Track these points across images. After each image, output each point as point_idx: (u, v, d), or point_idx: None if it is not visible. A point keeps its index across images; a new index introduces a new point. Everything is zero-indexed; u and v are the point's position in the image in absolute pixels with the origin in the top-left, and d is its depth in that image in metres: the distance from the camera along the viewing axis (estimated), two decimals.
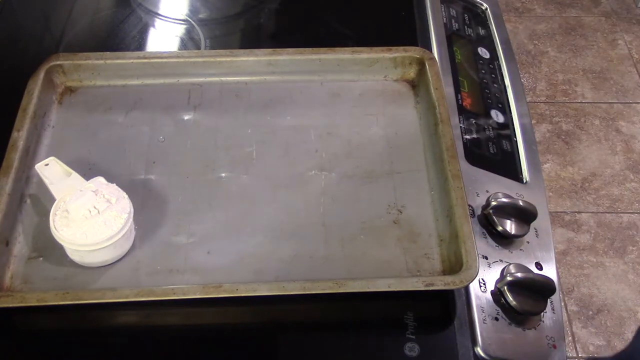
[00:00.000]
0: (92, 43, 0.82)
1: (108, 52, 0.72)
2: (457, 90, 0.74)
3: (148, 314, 0.57)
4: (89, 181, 0.58)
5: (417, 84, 0.73)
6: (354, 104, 0.72)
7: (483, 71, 0.78)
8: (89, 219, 0.56)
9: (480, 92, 0.76)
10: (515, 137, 0.72)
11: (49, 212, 0.57)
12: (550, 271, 0.61)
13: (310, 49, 0.73)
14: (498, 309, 0.58)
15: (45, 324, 0.57)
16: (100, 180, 0.58)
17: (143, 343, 0.56)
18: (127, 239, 0.58)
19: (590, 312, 1.46)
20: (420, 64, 0.73)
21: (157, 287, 0.55)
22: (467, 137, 0.70)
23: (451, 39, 0.81)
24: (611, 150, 1.82)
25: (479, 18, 0.87)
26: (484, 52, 0.81)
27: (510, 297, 0.57)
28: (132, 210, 0.58)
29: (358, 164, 0.67)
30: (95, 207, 0.56)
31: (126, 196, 0.58)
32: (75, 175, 0.60)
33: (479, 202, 0.64)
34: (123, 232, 0.56)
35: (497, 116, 0.74)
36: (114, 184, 0.59)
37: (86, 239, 0.55)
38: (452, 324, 0.57)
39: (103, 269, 0.58)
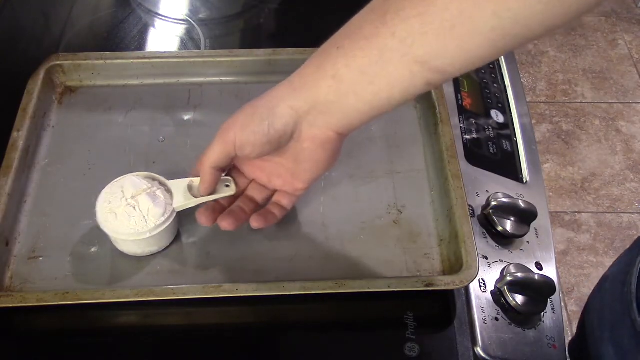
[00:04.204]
0: (92, 43, 0.82)
1: (108, 52, 0.72)
2: (457, 90, 0.74)
3: (148, 314, 0.57)
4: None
5: None
6: None
7: (483, 71, 0.78)
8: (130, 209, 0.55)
9: (480, 92, 0.76)
10: (515, 137, 0.72)
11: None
12: (550, 271, 0.61)
13: (310, 49, 0.73)
14: (498, 309, 0.58)
15: (45, 324, 0.57)
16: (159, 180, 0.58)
17: (143, 343, 0.56)
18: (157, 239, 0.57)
19: None
20: None
21: (157, 287, 0.55)
22: (467, 137, 0.70)
23: None
24: (611, 150, 1.83)
25: None
26: None
27: (510, 297, 0.57)
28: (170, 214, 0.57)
29: (358, 164, 0.67)
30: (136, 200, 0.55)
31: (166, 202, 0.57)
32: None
33: (479, 202, 0.64)
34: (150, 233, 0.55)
35: (497, 116, 0.74)
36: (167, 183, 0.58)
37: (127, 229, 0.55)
38: (452, 324, 0.57)
39: (103, 268, 0.58)
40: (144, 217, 0.55)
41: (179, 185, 0.57)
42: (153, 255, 0.59)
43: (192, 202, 0.57)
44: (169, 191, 0.57)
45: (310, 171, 0.55)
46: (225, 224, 0.55)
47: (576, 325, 0.77)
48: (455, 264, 0.58)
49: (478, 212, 0.63)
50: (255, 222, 0.56)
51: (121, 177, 0.58)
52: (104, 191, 0.57)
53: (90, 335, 0.56)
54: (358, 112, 0.49)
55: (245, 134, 0.51)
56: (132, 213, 0.55)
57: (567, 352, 0.58)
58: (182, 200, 0.57)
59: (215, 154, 0.53)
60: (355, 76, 0.47)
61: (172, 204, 0.56)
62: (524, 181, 0.68)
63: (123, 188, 0.56)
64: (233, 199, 0.58)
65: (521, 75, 0.85)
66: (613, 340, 0.62)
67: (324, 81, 0.48)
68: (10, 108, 0.66)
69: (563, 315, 0.60)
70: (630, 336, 0.58)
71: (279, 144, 0.51)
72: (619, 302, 0.61)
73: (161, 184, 0.58)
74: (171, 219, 0.56)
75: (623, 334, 0.60)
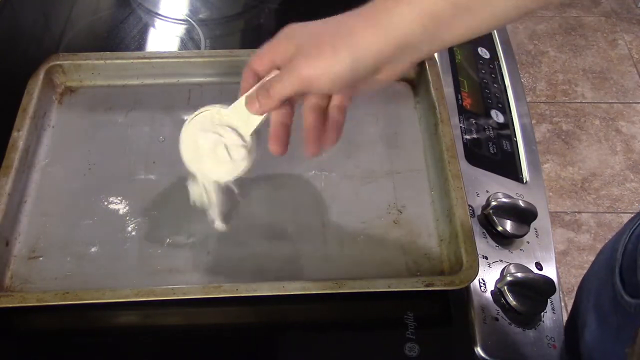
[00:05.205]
0: (92, 43, 0.82)
1: (108, 52, 0.72)
2: (457, 90, 0.74)
3: (148, 314, 0.57)
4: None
5: (417, 84, 0.73)
6: (353, 103, 0.72)
7: (483, 71, 0.78)
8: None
9: (480, 92, 0.76)
10: (515, 137, 0.72)
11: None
12: (550, 271, 0.61)
13: None
14: (498, 309, 0.58)
15: (45, 324, 0.57)
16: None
17: (143, 343, 0.56)
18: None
19: None
20: (420, 64, 0.72)
21: (157, 287, 0.55)
22: (467, 137, 0.70)
23: None
24: (611, 150, 1.82)
25: None
26: (484, 52, 0.81)
27: (510, 297, 0.57)
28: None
29: (358, 164, 0.67)
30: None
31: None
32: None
33: (479, 202, 0.64)
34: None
35: (497, 116, 0.74)
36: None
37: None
38: (452, 324, 0.57)
39: (103, 268, 0.58)
40: (232, 162, 0.54)
41: (239, 113, 0.55)
42: (153, 256, 0.59)
43: (258, 122, 0.55)
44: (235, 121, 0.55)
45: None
46: (309, 153, 0.54)
47: None
48: (455, 264, 0.58)
49: (478, 212, 0.63)
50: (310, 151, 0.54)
51: (185, 125, 0.56)
52: (182, 150, 0.56)
53: (90, 335, 0.56)
54: (446, 45, 0.48)
55: (324, 77, 0.48)
56: (219, 160, 0.54)
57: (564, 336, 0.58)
58: (248, 127, 0.55)
59: (288, 91, 0.50)
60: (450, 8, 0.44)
61: (243, 141, 0.55)
62: (524, 181, 0.68)
63: (197, 141, 0.55)
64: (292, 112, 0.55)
65: (521, 75, 0.85)
66: (596, 306, 0.62)
67: (417, 20, 0.45)
68: (10, 108, 0.66)
69: (563, 315, 0.60)
70: (610, 299, 0.58)
71: (356, 84, 0.50)
72: (604, 269, 0.61)
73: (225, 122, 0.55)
74: (254, 150, 0.55)
75: (604, 298, 0.60)
